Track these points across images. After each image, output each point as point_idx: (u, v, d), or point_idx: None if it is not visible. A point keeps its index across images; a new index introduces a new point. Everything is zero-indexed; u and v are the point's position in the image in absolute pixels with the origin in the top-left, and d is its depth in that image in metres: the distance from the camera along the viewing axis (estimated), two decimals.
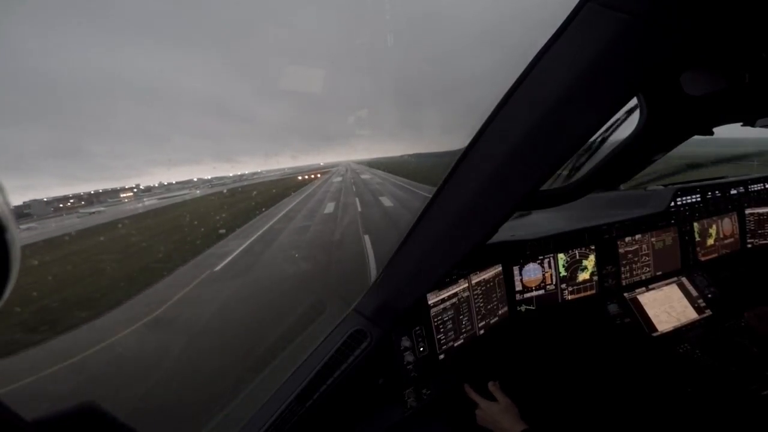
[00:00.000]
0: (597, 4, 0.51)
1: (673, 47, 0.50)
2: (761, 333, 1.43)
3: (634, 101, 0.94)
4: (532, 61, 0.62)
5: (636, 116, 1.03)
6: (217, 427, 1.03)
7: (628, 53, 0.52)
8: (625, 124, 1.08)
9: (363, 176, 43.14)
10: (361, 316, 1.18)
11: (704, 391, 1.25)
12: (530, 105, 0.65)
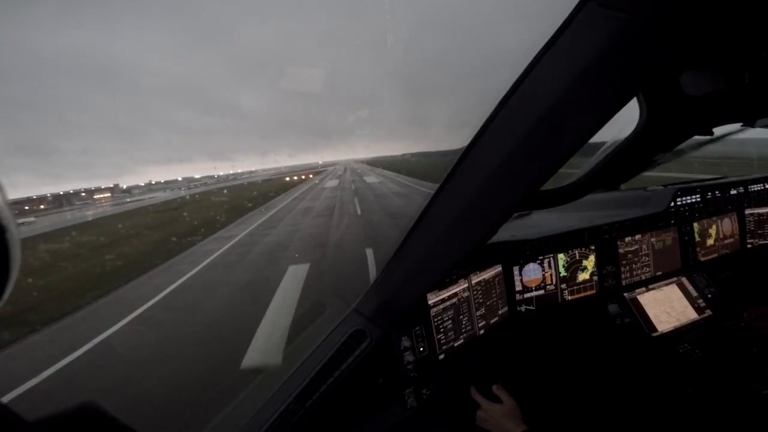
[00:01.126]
0: (597, 4, 0.51)
1: (673, 47, 0.50)
2: (761, 333, 1.43)
3: (634, 101, 0.94)
4: (532, 61, 0.62)
5: (636, 116, 1.03)
6: (217, 427, 1.03)
7: (628, 53, 0.52)
8: (625, 124, 1.08)
9: (368, 179, 30.91)
10: (361, 316, 1.18)
11: (704, 391, 1.25)
12: (530, 105, 0.65)
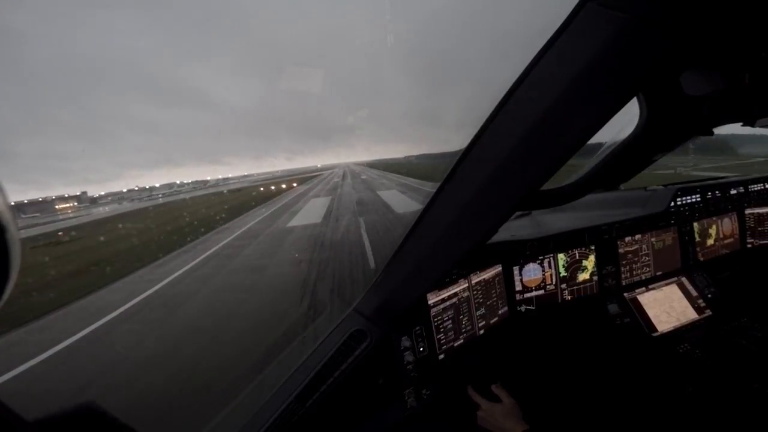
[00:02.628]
0: (597, 4, 0.51)
1: (673, 47, 0.50)
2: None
3: (634, 101, 0.94)
4: (532, 61, 0.62)
5: (636, 116, 1.03)
6: (217, 426, 1.03)
7: (628, 53, 0.52)
8: (625, 124, 1.08)
9: (388, 196, 17.01)
10: (361, 316, 1.18)
11: (704, 391, 1.26)
12: (530, 105, 0.65)
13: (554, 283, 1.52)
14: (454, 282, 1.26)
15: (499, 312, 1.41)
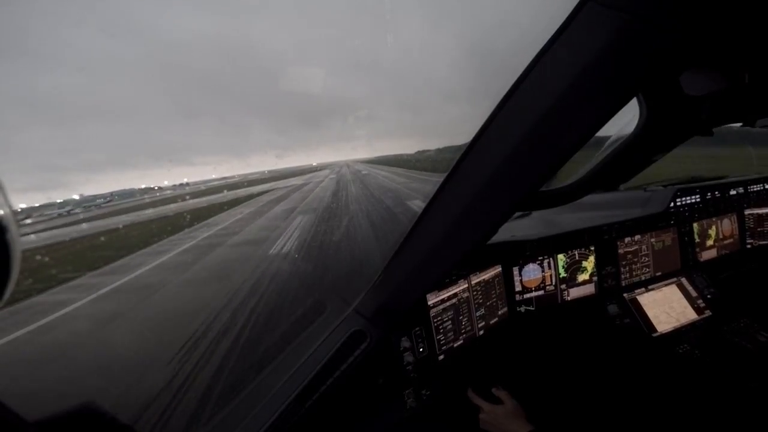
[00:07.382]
0: (597, 4, 0.51)
1: (673, 47, 0.50)
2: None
3: (634, 101, 0.94)
4: (532, 61, 0.62)
5: (636, 116, 1.03)
6: (216, 427, 1.03)
7: (628, 53, 0.52)
8: (625, 124, 1.08)
9: None
10: (360, 316, 1.18)
11: (704, 392, 1.26)
12: (530, 105, 0.65)
13: (554, 283, 1.52)
14: (453, 283, 1.26)
15: (499, 312, 1.41)
